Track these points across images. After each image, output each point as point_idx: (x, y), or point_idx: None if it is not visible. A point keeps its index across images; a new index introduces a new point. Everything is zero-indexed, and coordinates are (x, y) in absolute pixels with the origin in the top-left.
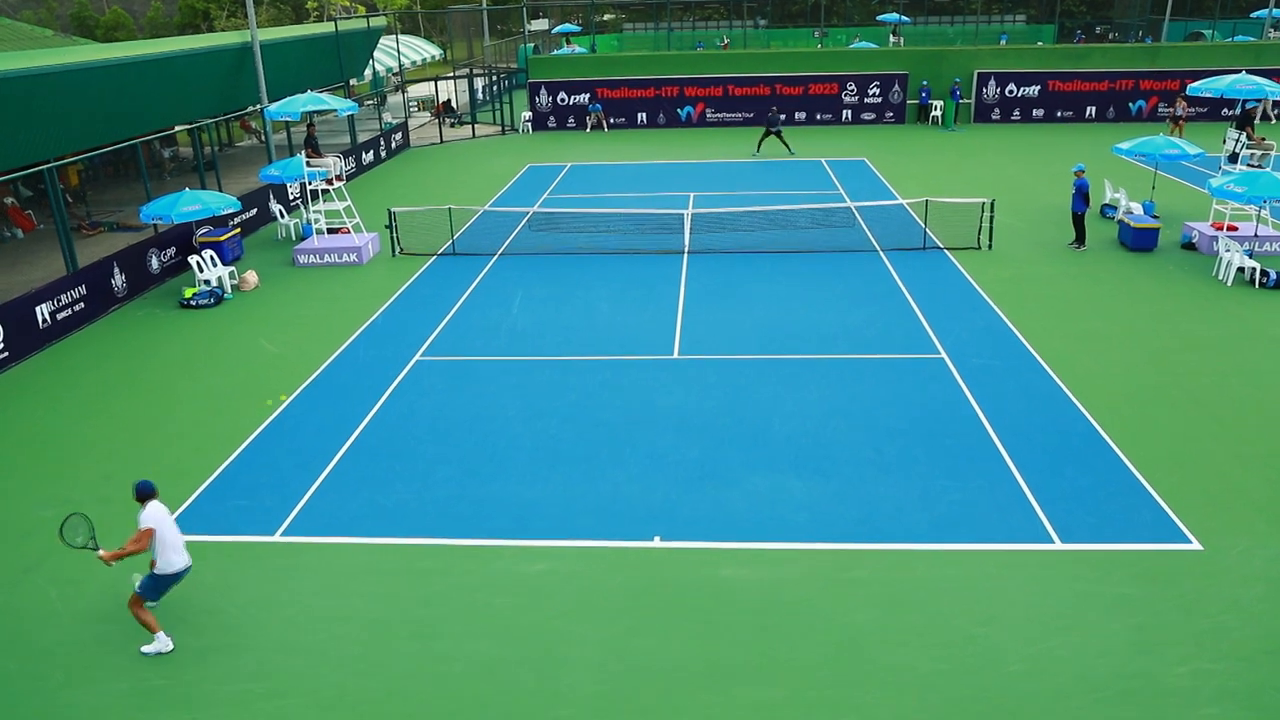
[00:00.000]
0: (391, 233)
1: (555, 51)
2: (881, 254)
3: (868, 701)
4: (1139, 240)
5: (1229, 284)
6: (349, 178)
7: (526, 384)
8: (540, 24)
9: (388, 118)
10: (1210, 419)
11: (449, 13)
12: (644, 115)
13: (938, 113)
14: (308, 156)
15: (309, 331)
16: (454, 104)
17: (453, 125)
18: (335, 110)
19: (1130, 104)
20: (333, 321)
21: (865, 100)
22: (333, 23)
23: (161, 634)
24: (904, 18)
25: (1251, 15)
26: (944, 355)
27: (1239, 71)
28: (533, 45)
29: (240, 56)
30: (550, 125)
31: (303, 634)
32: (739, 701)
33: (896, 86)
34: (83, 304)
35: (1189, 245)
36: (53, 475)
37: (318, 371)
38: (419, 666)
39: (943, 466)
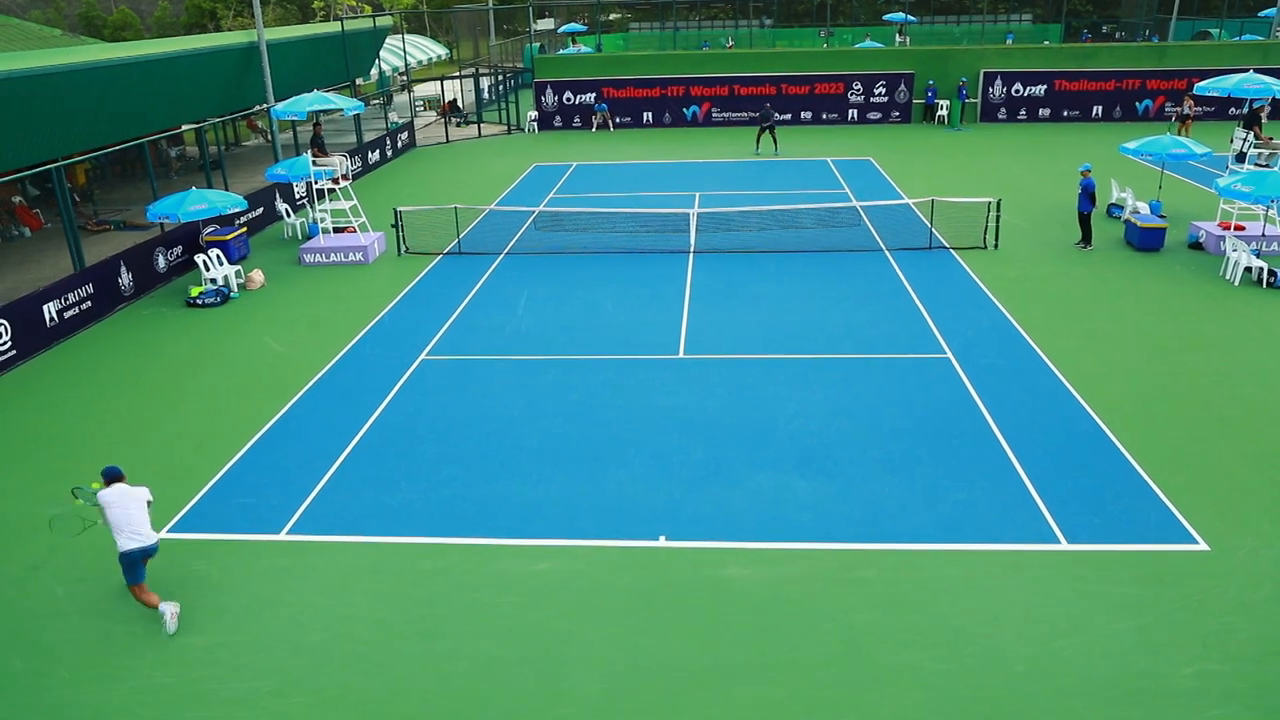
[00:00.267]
0: (397, 232)
1: (561, 51)
2: (887, 254)
3: (871, 701)
4: (1145, 240)
5: (1236, 284)
6: (355, 177)
7: (531, 383)
8: (546, 23)
9: (394, 117)
10: (1217, 419)
11: (455, 12)
12: (649, 115)
13: (944, 112)
14: (314, 156)
15: (314, 330)
16: (460, 103)
17: (458, 125)
18: (341, 110)
19: (1137, 103)
20: (338, 320)
21: (871, 100)
22: (339, 22)
23: (162, 604)
24: (910, 17)
25: (1259, 14)
26: (949, 355)
27: (1246, 71)
28: (539, 45)
29: (247, 56)
30: (556, 125)
31: (307, 633)
32: (742, 701)
33: (902, 86)
34: (89, 302)
35: (1196, 245)
36: (59, 473)
37: (323, 371)
38: (422, 665)
39: (947, 466)
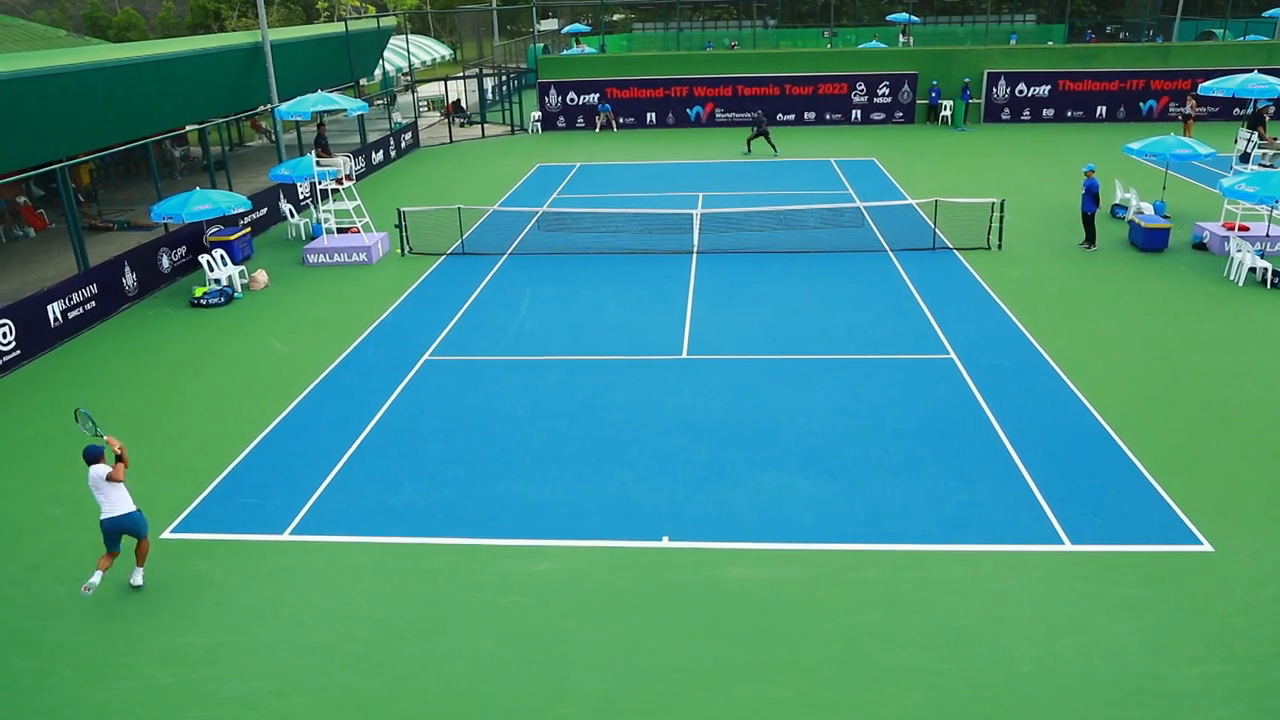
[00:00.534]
0: (401, 232)
1: (565, 51)
2: (891, 254)
3: (873, 702)
4: (1150, 240)
5: (1240, 284)
6: (359, 177)
7: (535, 384)
8: (550, 24)
9: (397, 117)
10: (1220, 420)
11: (459, 13)
12: (653, 115)
13: (947, 113)
14: (318, 156)
15: (318, 331)
16: (463, 104)
17: (462, 125)
18: (345, 110)
19: (1141, 104)
20: (342, 321)
21: (875, 100)
22: (343, 23)
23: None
24: (913, 17)
25: (1263, 15)
26: (953, 355)
27: (1251, 71)
28: (542, 45)
29: (251, 56)
30: (560, 125)
31: (309, 633)
32: (744, 701)
33: (906, 86)
34: (94, 303)
35: (1200, 245)
36: (62, 473)
37: (327, 371)
38: (424, 665)
39: (951, 467)
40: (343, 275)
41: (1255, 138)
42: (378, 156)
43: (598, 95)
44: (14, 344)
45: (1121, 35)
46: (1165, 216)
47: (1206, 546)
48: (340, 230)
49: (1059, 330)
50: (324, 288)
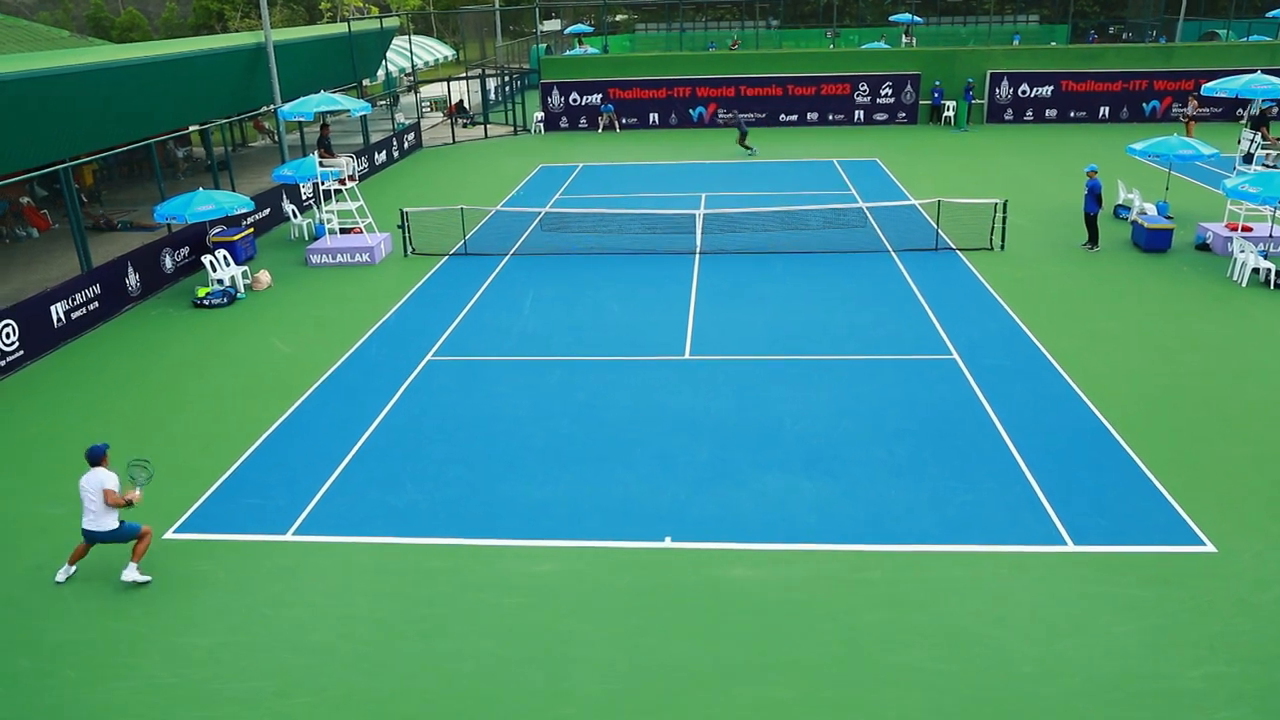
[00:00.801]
0: (404, 233)
1: (568, 52)
2: (893, 254)
3: (875, 702)
4: (1152, 241)
5: (1243, 285)
6: (362, 178)
7: (537, 384)
8: (553, 24)
9: (400, 118)
10: (1223, 420)
11: (462, 13)
12: (656, 116)
13: (950, 113)
14: (320, 157)
15: (321, 331)
16: (466, 104)
17: (465, 126)
18: (348, 111)
19: (1144, 104)
20: (345, 321)
21: (878, 101)
22: (346, 23)
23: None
24: (916, 18)
25: (1267, 15)
26: (955, 356)
27: (1254, 71)
28: (545, 46)
29: (254, 57)
30: (562, 126)
31: (311, 633)
32: (746, 702)
33: (909, 87)
34: (97, 303)
35: (1203, 246)
36: (65, 473)
37: (329, 371)
38: (427, 666)
39: (954, 467)
40: (345, 276)
41: (1259, 138)
42: (380, 157)
43: (600, 96)
44: (17, 344)
45: (1124, 36)
46: (1168, 217)
47: (1209, 547)
48: (343, 231)
49: (1061, 331)
50: (327, 288)
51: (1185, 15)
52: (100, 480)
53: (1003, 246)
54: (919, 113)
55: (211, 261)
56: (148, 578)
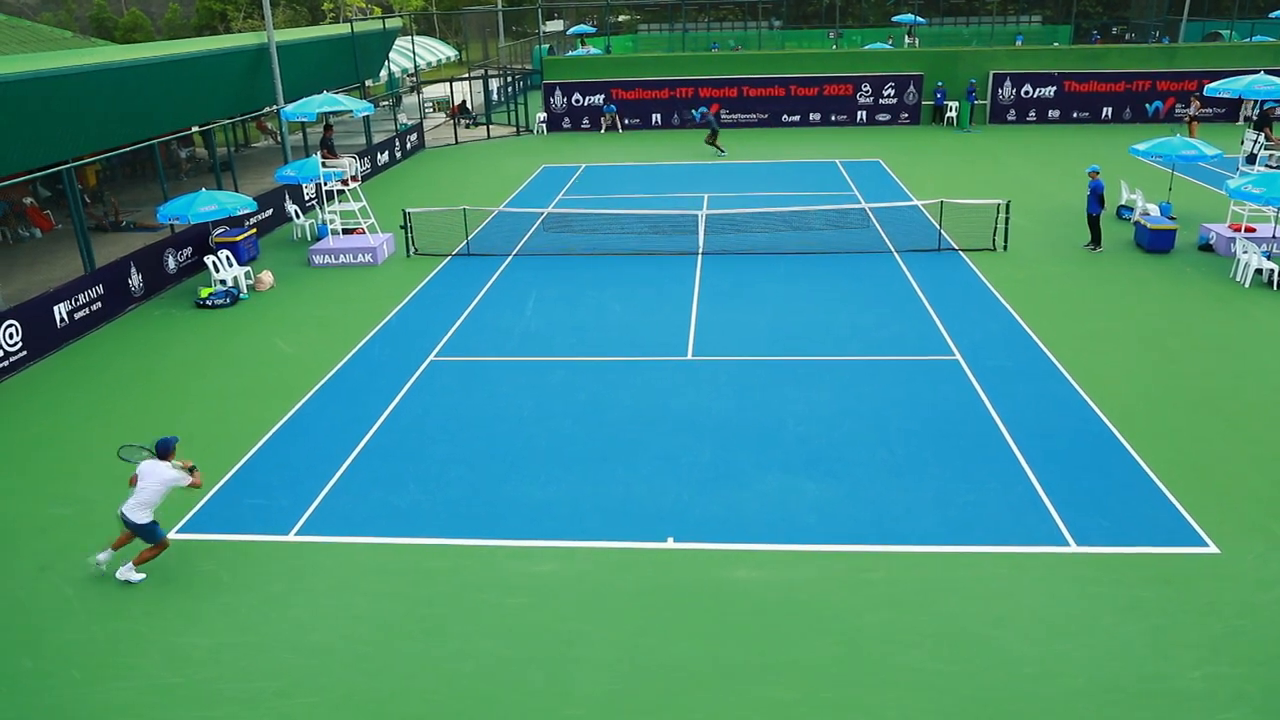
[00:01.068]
0: (406, 233)
1: (570, 52)
2: (896, 255)
3: (877, 703)
4: (1155, 242)
5: (1246, 285)
6: (364, 178)
7: (539, 385)
8: (555, 25)
9: (403, 119)
10: (1226, 421)
11: (464, 14)
12: (658, 116)
13: (953, 114)
14: (323, 157)
15: (324, 332)
16: (469, 105)
17: (468, 126)
18: (351, 111)
19: (1147, 105)
20: (347, 322)
21: (880, 101)
22: (349, 24)
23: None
24: (919, 18)
25: (1270, 15)
26: (958, 356)
27: (1257, 72)
28: (548, 46)
29: (257, 58)
30: (565, 126)
31: (314, 633)
32: (749, 702)
33: (911, 87)
34: (100, 303)
35: (1206, 247)
36: (68, 474)
37: (332, 372)
38: (429, 666)
39: (956, 468)
40: (348, 276)
41: (1262, 139)
42: (383, 157)
43: (603, 96)
44: (20, 344)
45: (1127, 36)
46: (1171, 218)
47: (1212, 548)
48: (346, 231)
49: (1064, 332)
50: (329, 289)
51: (1188, 16)
52: (165, 476)
53: (1005, 247)
54: (921, 113)
55: (214, 262)
56: (142, 576)
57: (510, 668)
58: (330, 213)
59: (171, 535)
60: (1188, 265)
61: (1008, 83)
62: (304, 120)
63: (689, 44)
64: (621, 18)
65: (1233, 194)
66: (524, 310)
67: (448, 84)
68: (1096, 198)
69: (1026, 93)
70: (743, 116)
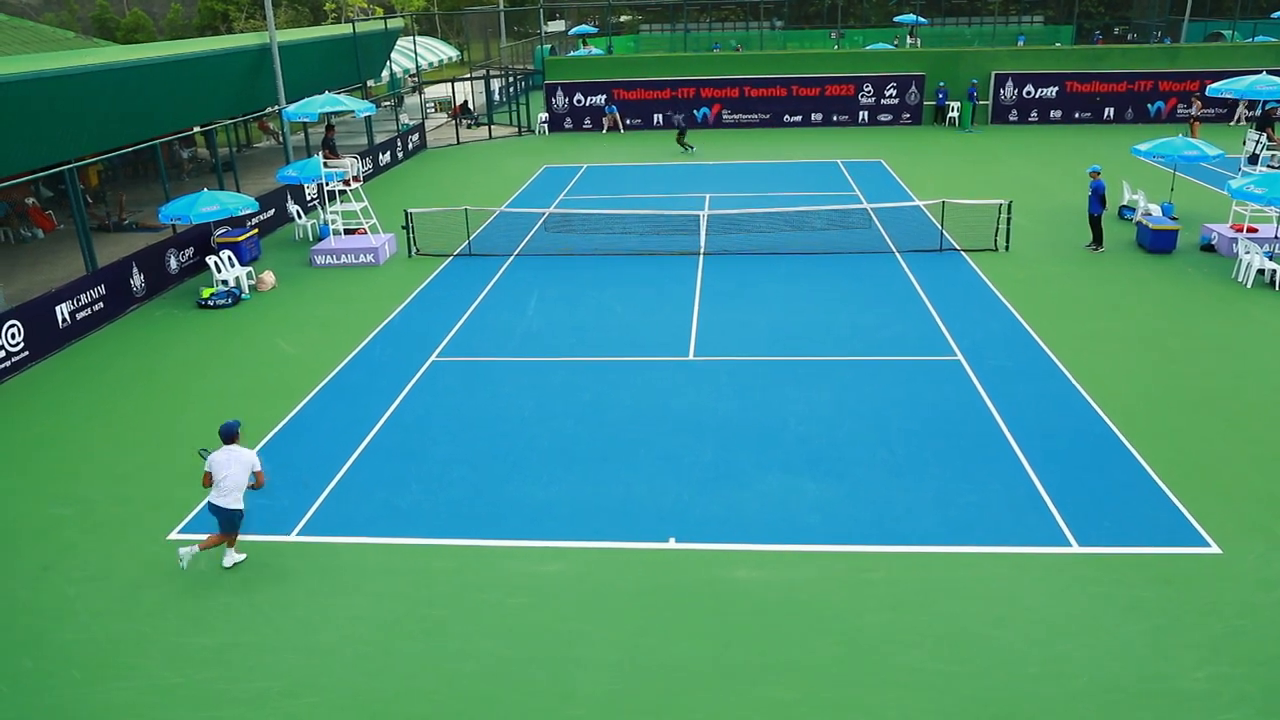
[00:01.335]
0: (408, 233)
1: (572, 53)
2: (898, 255)
3: (879, 703)
4: (1157, 242)
5: (1249, 286)
6: (366, 179)
7: (541, 385)
8: (557, 25)
9: (405, 119)
10: (1228, 422)
11: (466, 14)
12: (660, 116)
13: (954, 114)
14: (325, 157)
15: (325, 332)
16: (471, 105)
17: (469, 126)
18: (353, 111)
19: (1149, 105)
20: (349, 322)
21: (882, 101)
22: (350, 24)
23: (230, 551)
24: (921, 19)
25: (1272, 15)
26: (960, 357)
27: (1260, 72)
28: (549, 47)
29: (259, 58)
30: (567, 126)
31: (316, 633)
32: (750, 702)
33: (913, 88)
34: (102, 304)
35: (1208, 247)
36: (70, 474)
37: (334, 372)
38: (431, 666)
39: (958, 468)
40: (350, 276)
41: (1264, 139)
42: (385, 158)
43: (605, 96)
44: (22, 344)
45: (1129, 36)
46: (1173, 218)
47: (1214, 549)
48: (347, 231)
49: (1066, 332)
50: (331, 289)
51: (1190, 16)
52: (244, 458)
53: (1007, 247)
54: (923, 113)
55: (216, 262)
56: (243, 556)
57: (512, 668)
58: (332, 213)
59: (172, 535)
60: (1189, 266)
61: (1010, 83)
62: (306, 120)
63: (691, 44)
64: (623, 18)
65: (1235, 194)
66: (525, 310)
67: (449, 84)
68: (1098, 198)
69: (1028, 93)
70: (744, 117)
